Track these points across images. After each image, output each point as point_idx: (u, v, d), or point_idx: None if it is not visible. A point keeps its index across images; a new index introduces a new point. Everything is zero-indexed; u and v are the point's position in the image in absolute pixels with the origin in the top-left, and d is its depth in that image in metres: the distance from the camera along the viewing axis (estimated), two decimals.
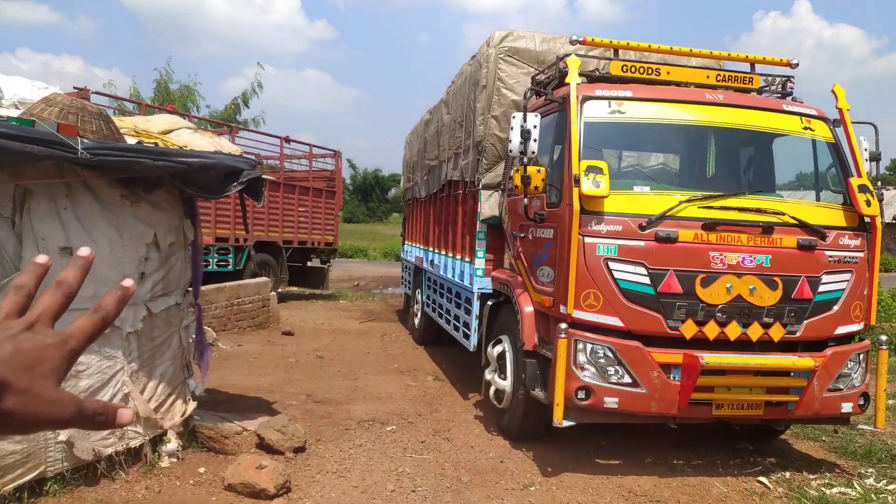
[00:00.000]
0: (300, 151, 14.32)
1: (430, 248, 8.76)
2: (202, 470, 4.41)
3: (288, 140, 13.49)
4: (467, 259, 6.61)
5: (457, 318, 7.06)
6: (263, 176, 4.43)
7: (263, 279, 10.66)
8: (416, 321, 9.82)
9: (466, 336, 6.55)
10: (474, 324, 6.24)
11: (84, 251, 0.64)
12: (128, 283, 0.64)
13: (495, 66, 5.86)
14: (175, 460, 4.50)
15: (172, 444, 4.53)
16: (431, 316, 8.70)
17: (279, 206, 12.62)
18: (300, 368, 7.70)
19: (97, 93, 8.67)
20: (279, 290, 12.59)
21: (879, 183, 4.75)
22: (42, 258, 0.63)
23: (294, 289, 15.08)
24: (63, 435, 3.80)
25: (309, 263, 14.92)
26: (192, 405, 4.80)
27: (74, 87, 6.81)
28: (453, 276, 7.19)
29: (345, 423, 5.58)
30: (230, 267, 11.59)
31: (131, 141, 4.07)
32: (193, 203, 4.71)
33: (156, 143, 4.12)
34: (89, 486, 4.01)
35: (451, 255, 7.40)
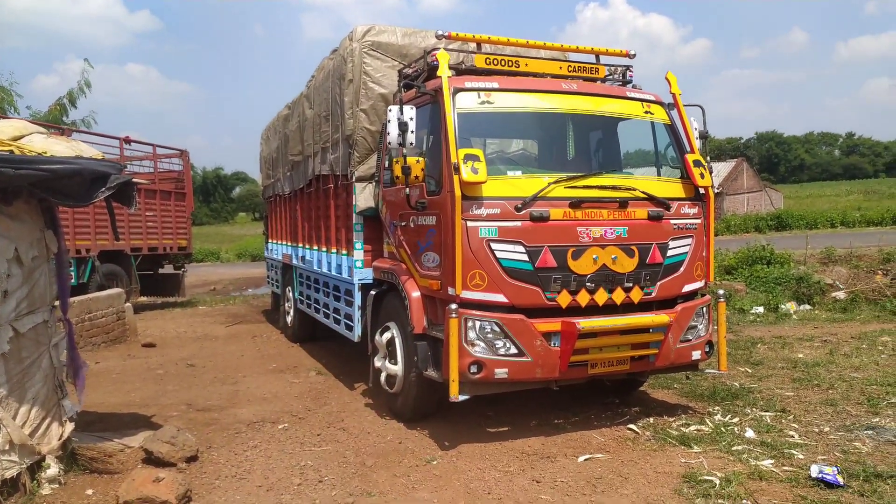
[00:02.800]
0: (142, 152, 13.41)
1: (301, 245, 8.68)
2: (90, 492, 4.16)
3: (128, 140, 12.60)
4: (344, 252, 6.67)
5: (336, 311, 7.10)
6: (134, 180, 4.21)
7: (116, 290, 9.95)
8: (289, 319, 9.69)
9: (349, 328, 6.63)
10: (357, 315, 6.33)
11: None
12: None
13: (360, 60, 5.95)
14: (57, 486, 4.20)
15: (53, 469, 4.22)
16: (306, 312, 8.64)
17: (124, 212, 11.78)
18: (172, 379, 7.35)
19: None
20: (131, 300, 11.79)
21: (709, 158, 5.47)
22: None
23: (145, 299, 14.17)
24: None
25: (161, 270, 14.07)
26: (70, 427, 4.49)
27: None
28: (329, 270, 7.21)
29: (234, 428, 5.46)
30: (73, 281, 10.67)
31: None
32: (54, 212, 4.37)
33: (11, 151, 3.78)
34: None
35: (325, 249, 7.40)
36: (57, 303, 4.52)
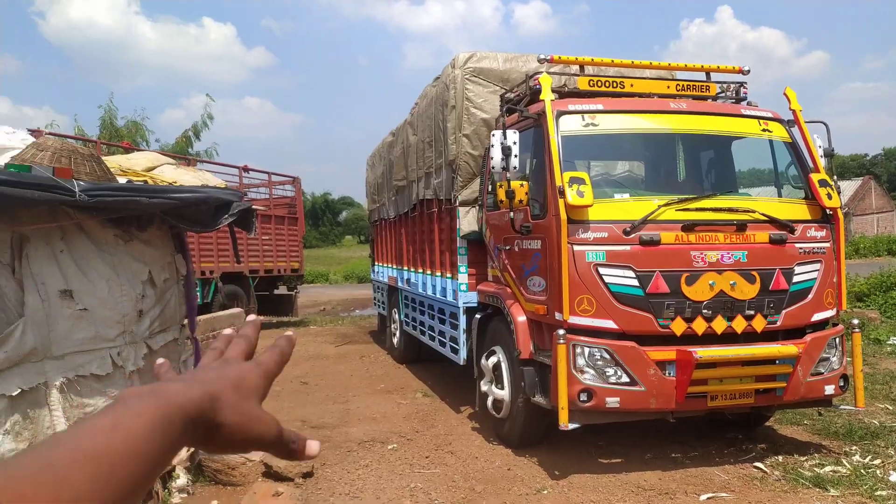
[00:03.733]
0: (258, 180, 14.23)
1: (406, 268, 8.84)
2: (215, 503, 4.37)
3: (247, 169, 13.41)
4: (449, 275, 6.72)
5: (442, 333, 7.15)
6: (253, 207, 4.46)
7: (237, 310, 10.53)
8: (395, 340, 9.85)
9: (454, 350, 6.64)
10: (462, 338, 6.34)
11: (252, 316, 0.74)
12: (289, 333, 0.74)
13: (462, 86, 6.03)
14: (186, 495, 4.46)
15: (182, 479, 4.49)
16: (412, 334, 8.76)
17: (243, 236, 12.51)
18: (287, 396, 7.65)
19: (51, 133, 8.47)
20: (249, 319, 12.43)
21: (835, 177, 5.08)
22: (252, 317, 0.74)
23: (262, 318, 14.89)
24: None
25: (276, 291, 14.78)
26: None
27: (28, 130, 6.66)
28: (434, 293, 7.28)
29: (346, 446, 5.59)
30: (198, 301, 11.41)
31: (121, 180, 4.06)
32: (183, 237, 4.70)
33: (145, 181, 4.12)
34: None
35: (430, 272, 7.49)
36: (185, 321, 4.83)
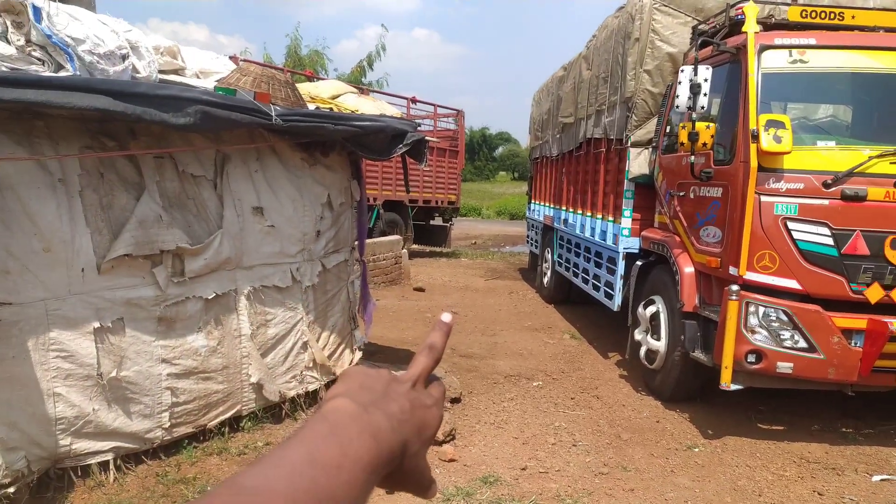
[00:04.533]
0: (425, 111, 14.49)
1: (564, 208, 8.68)
2: None
3: (414, 101, 13.69)
4: (611, 218, 6.51)
5: (596, 277, 7.01)
6: (426, 138, 4.54)
7: (396, 237, 11.02)
8: (546, 280, 9.83)
9: (609, 296, 6.50)
10: (618, 284, 6.18)
11: (446, 317, 0.66)
12: (446, 318, 0.66)
13: (650, 17, 5.62)
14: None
15: None
16: (564, 275, 8.67)
17: (411, 166, 12.91)
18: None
19: (245, 61, 9.15)
20: (406, 247, 12.99)
21: None
22: (447, 317, 0.66)
23: (417, 247, 15.50)
24: (255, 377, 4.17)
25: (432, 222, 15.23)
26: (359, 355, 5.11)
27: (227, 57, 7.21)
28: (593, 236, 7.11)
29: (492, 378, 5.74)
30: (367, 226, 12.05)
31: (310, 107, 4.29)
32: (359, 164, 4.92)
33: (330, 108, 4.33)
34: (276, 425, 4.40)
35: (590, 214, 7.30)
36: (356, 244, 5.12)
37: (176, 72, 4.35)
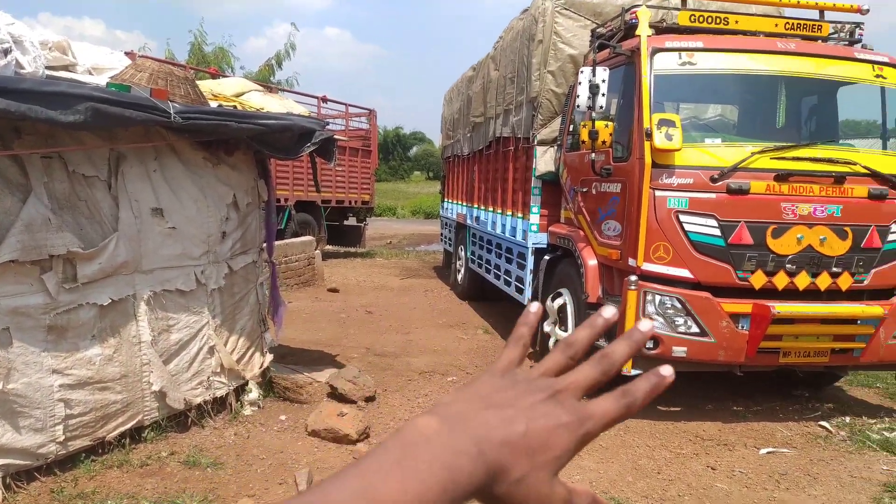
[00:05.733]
0: (336, 111, 14.33)
1: (476, 205, 8.83)
2: (283, 417, 4.63)
3: (325, 100, 13.50)
4: (520, 215, 6.68)
5: (507, 272, 7.17)
6: (335, 136, 4.51)
7: (308, 238, 10.85)
8: (460, 277, 9.96)
9: (519, 290, 6.67)
10: (528, 278, 6.35)
11: (644, 326, 0.53)
12: (666, 371, 0.51)
13: (552, 20, 5.81)
14: (256, 409, 4.73)
15: (254, 393, 4.76)
16: (477, 271, 8.82)
17: (320, 166, 12.72)
18: (353, 324, 7.91)
19: (143, 57, 8.73)
20: (319, 248, 12.81)
21: None
22: (608, 312, 0.55)
23: (331, 247, 15.31)
24: (156, 385, 4.02)
25: (346, 222, 15.09)
26: (269, 357, 5.01)
27: (124, 53, 6.87)
28: (503, 232, 7.28)
29: (407, 375, 5.77)
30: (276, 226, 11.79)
31: (212, 104, 4.16)
32: (266, 164, 4.82)
33: (234, 106, 4.22)
34: (182, 433, 4.25)
35: (500, 211, 7.46)
36: (264, 245, 5.01)
37: (66, 68, 4.11)
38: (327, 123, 4.59)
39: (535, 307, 0.58)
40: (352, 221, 15.32)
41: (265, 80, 16.39)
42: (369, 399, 5.01)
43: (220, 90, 4.53)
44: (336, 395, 4.95)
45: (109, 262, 3.69)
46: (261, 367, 4.90)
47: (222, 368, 4.50)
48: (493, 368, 0.53)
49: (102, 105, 3.15)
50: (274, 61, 17.44)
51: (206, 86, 4.51)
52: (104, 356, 3.71)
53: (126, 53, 7.60)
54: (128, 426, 3.94)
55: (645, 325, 0.53)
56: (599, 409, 0.49)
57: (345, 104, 14.34)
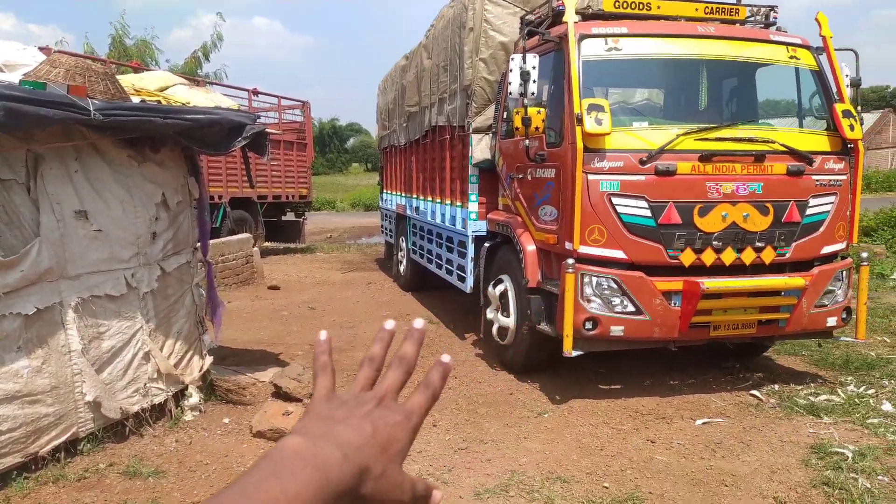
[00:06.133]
0: (268, 104, 14.02)
1: (415, 196, 8.81)
2: (226, 420, 4.54)
3: (256, 93, 13.19)
4: (459, 203, 6.71)
5: (449, 262, 7.21)
6: (267, 130, 4.42)
7: (245, 235, 10.61)
8: (402, 268, 9.94)
9: (461, 279, 6.71)
10: (469, 266, 6.40)
11: (418, 324, 0.63)
12: (445, 359, 0.62)
13: (481, 7, 5.84)
14: (198, 413, 4.62)
15: (194, 398, 4.64)
16: (419, 262, 8.83)
17: (254, 161, 12.44)
18: (295, 320, 7.81)
19: (59, 52, 8.30)
20: (257, 245, 12.55)
21: (860, 108, 4.97)
22: (389, 324, 0.64)
23: (269, 244, 15.03)
24: (90, 395, 3.87)
25: (284, 217, 14.83)
26: (209, 360, 4.89)
27: (38, 48, 6.51)
28: (443, 222, 7.30)
29: (353, 369, 5.67)
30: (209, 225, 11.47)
31: (134, 100, 4.01)
32: (196, 160, 4.68)
33: (158, 101, 4.07)
34: (120, 444, 4.11)
35: (439, 200, 7.48)
36: (198, 245, 4.88)
37: None
38: (258, 117, 4.48)
39: (323, 335, 0.65)
40: (290, 217, 15.07)
41: (192, 72, 15.87)
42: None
43: (143, 85, 4.36)
44: (281, 394, 4.87)
45: (32, 270, 3.52)
46: (200, 371, 4.77)
47: (159, 374, 4.37)
48: (318, 398, 0.59)
49: (16, 104, 2.99)
50: (200, 53, 16.89)
51: (128, 80, 4.34)
52: (32, 368, 3.54)
53: (41, 49, 7.22)
54: (62, 439, 3.78)
55: (419, 323, 0.63)
56: (416, 404, 0.59)
57: (277, 97, 14.07)
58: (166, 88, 4.45)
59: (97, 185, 3.86)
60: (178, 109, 3.93)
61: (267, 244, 14.68)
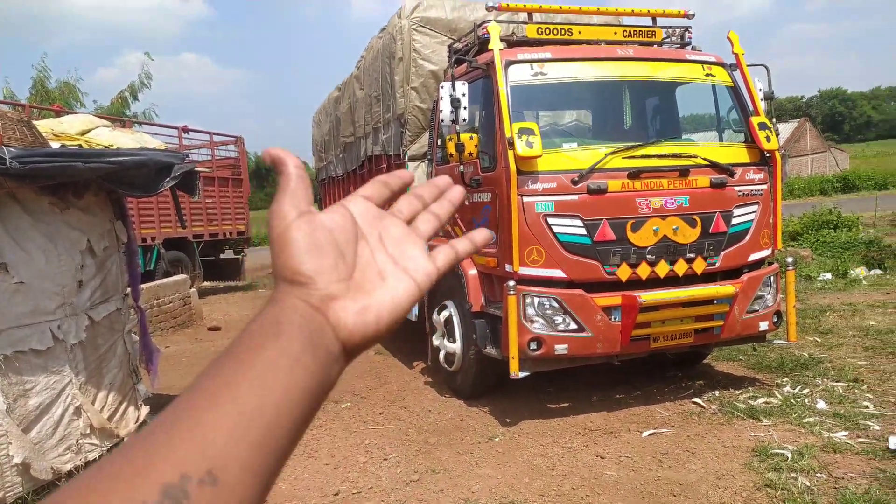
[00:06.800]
0: (200, 140, 13.75)
1: None
2: None
3: (186, 130, 12.92)
4: None
5: None
6: (196, 169, 4.32)
7: (181, 277, 10.30)
8: None
9: None
10: None
11: (442, 181, 0.60)
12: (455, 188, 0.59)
13: (409, 37, 5.91)
14: None
15: None
16: None
17: (185, 200, 12.13)
18: None
19: None
20: (195, 286, 12.19)
21: (775, 119, 5.23)
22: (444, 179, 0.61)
23: (208, 283, 14.63)
24: (17, 457, 3.65)
25: (222, 255, 14.49)
26: (145, 410, 4.69)
27: None
28: None
29: None
30: (141, 268, 11.09)
31: (54, 145, 3.86)
32: (122, 203, 4.53)
33: (79, 146, 3.93)
34: None
35: None
36: (129, 290, 4.70)
37: None
38: (187, 156, 4.39)
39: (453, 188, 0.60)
40: (229, 254, 14.73)
41: (119, 113, 15.44)
42: None
43: (63, 129, 4.21)
44: None
45: None
46: (136, 422, 4.57)
47: (92, 429, 4.15)
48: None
49: None
50: (128, 93, 16.43)
51: (47, 125, 4.18)
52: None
53: None
54: None
55: (453, 188, 0.60)
56: (441, 262, 0.56)
57: (209, 133, 13.82)
58: (88, 131, 4.31)
59: (17, 235, 3.68)
60: (100, 153, 3.80)
61: (206, 284, 14.28)
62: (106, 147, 4.05)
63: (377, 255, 0.51)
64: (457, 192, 0.60)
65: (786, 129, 44.01)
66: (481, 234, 0.59)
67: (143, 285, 9.25)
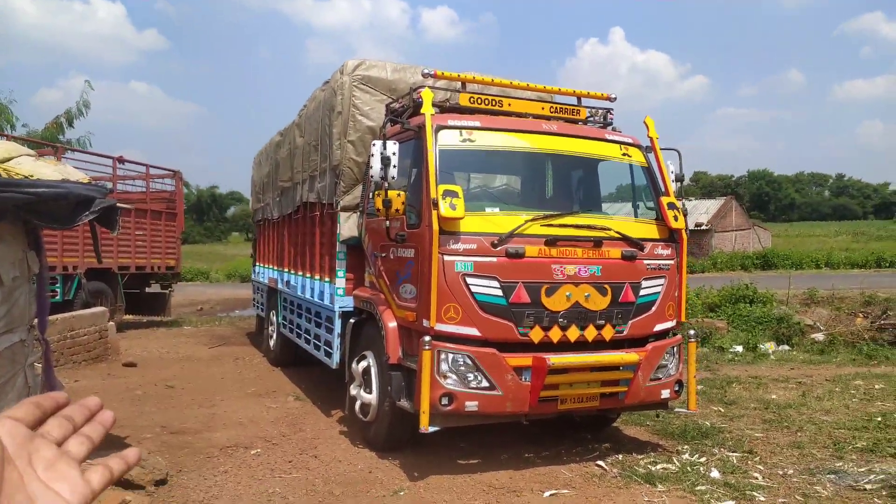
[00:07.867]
0: (135, 172, 13.51)
1: (286, 269, 8.75)
2: None
3: (122, 160, 12.69)
4: (327, 279, 6.75)
5: (317, 337, 7.16)
6: (118, 204, 4.30)
7: (99, 309, 9.96)
8: (272, 343, 9.71)
9: (328, 354, 6.68)
10: (336, 342, 6.39)
11: (93, 402, 0.61)
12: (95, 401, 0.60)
13: (350, 93, 6.11)
14: None
15: None
16: (289, 336, 8.68)
17: (99, 234, 11.82)
18: (150, 400, 7.35)
19: None
20: (115, 319, 11.78)
21: (683, 200, 5.62)
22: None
23: (131, 317, 14.16)
24: None
25: (148, 289, 14.09)
26: None
27: None
28: (312, 297, 7.28)
29: (206, 452, 5.48)
30: (58, 297, 10.68)
31: None
32: (38, 233, 4.44)
33: None
34: None
35: (309, 275, 7.48)
36: (35, 321, 4.57)
37: None
38: (111, 190, 4.37)
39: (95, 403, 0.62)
40: (155, 288, 14.34)
41: (52, 138, 15.01)
42: (160, 482, 4.68)
43: None
44: (121, 481, 4.56)
45: None
46: None
47: None
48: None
49: None
50: (64, 119, 16.02)
51: None
52: None
53: None
54: None
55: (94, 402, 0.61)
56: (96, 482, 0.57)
57: (145, 164, 13.61)
58: (10, 160, 4.24)
59: None
60: (17, 182, 3.76)
61: (128, 317, 13.82)
62: (25, 177, 4.00)
63: (27, 479, 0.49)
64: (107, 416, 0.61)
65: (713, 205, 46.33)
66: (133, 453, 0.61)
67: (58, 315, 8.92)
